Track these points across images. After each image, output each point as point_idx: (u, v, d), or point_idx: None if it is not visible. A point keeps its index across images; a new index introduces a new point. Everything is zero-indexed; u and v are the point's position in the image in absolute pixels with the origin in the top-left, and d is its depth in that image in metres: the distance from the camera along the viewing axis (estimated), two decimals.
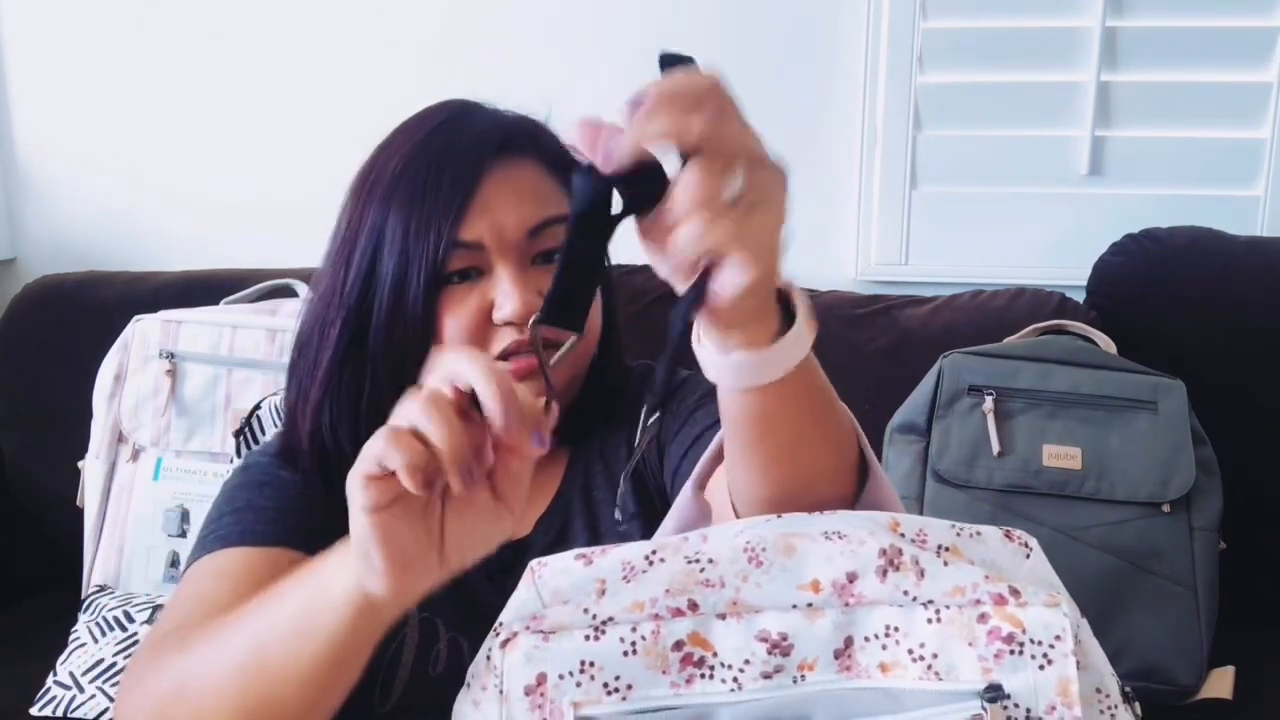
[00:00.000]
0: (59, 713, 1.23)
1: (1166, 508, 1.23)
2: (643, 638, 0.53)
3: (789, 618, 0.53)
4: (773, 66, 1.59)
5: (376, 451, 0.50)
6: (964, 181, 1.59)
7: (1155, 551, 1.22)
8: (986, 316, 1.43)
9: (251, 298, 1.48)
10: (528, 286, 0.77)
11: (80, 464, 1.42)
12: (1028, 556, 0.57)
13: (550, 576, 0.55)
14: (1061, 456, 1.24)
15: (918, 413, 1.29)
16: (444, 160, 0.77)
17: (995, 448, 1.25)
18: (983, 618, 0.53)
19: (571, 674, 0.52)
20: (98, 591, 1.36)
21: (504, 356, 0.79)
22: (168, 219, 1.74)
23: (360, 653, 0.58)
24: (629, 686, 0.52)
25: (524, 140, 0.80)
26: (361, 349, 0.79)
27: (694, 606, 0.53)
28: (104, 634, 1.29)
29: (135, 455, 1.39)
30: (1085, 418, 1.26)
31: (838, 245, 1.62)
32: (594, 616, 0.53)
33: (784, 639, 0.53)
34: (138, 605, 1.31)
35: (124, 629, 1.29)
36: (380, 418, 0.65)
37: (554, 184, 0.80)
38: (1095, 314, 1.42)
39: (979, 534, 0.56)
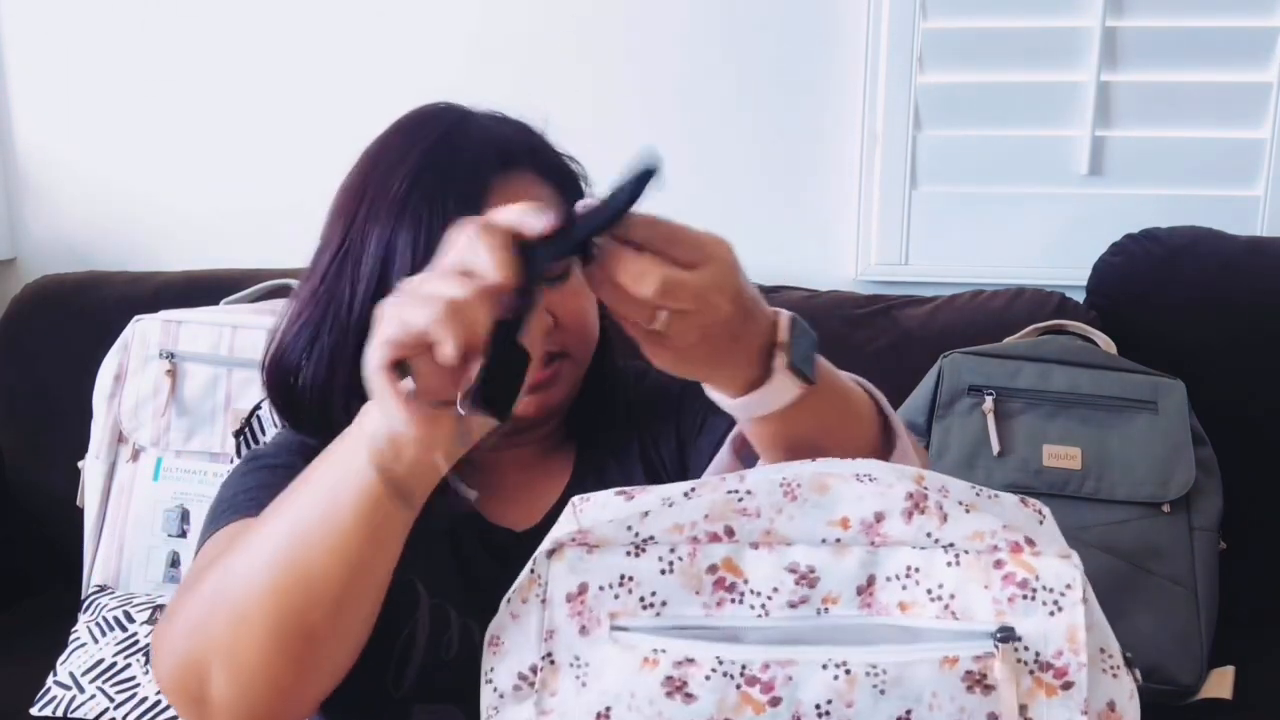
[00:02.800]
0: (59, 713, 1.23)
1: (1166, 508, 1.23)
2: (680, 558, 0.56)
3: (818, 552, 0.56)
4: (773, 67, 1.59)
5: (419, 322, 0.51)
6: (964, 181, 1.59)
7: (1155, 551, 1.22)
8: (986, 316, 1.43)
9: (251, 298, 1.48)
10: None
11: (80, 464, 1.42)
12: (1041, 522, 0.59)
13: (591, 510, 0.58)
14: (1061, 456, 1.24)
15: (918, 413, 1.29)
16: (448, 179, 0.77)
17: (995, 448, 1.25)
18: (999, 564, 0.56)
19: (611, 586, 0.55)
20: (98, 591, 1.36)
21: None
22: (168, 219, 1.74)
23: (387, 538, 0.60)
24: (663, 603, 0.56)
25: (522, 153, 0.80)
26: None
27: (730, 533, 0.56)
28: (104, 634, 1.29)
29: (135, 455, 1.39)
30: (1085, 418, 1.26)
31: (838, 245, 1.62)
32: (636, 534, 0.56)
33: (811, 571, 0.56)
34: (138, 605, 1.31)
35: (124, 629, 1.29)
36: None
37: (551, 194, 0.80)
38: (1095, 314, 1.42)
39: (996, 496, 0.59)
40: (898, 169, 1.58)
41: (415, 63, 1.65)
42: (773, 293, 1.50)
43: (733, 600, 0.56)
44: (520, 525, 0.84)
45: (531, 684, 0.56)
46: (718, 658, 0.55)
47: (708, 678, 0.55)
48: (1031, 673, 0.55)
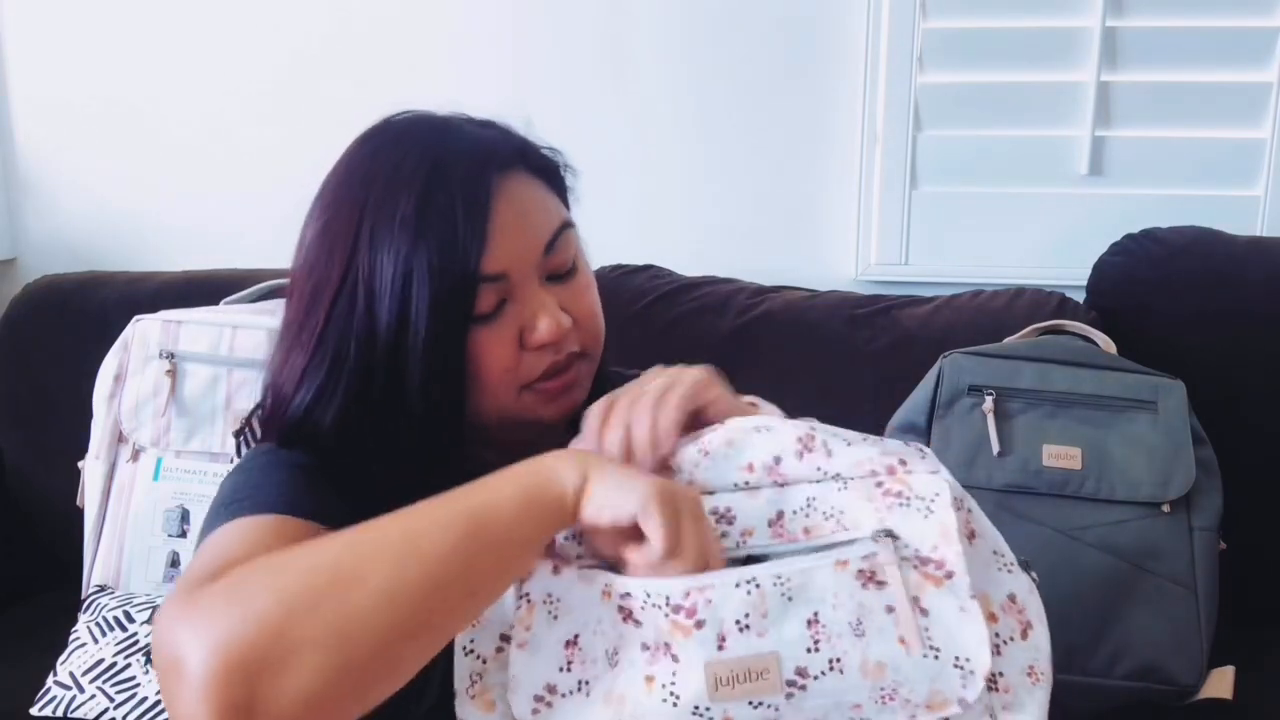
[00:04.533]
0: (59, 713, 1.23)
1: (1166, 508, 1.23)
2: None
3: (733, 496, 0.67)
4: (773, 66, 1.59)
5: None
6: (964, 181, 1.59)
7: (1155, 551, 1.21)
8: (986, 316, 1.43)
9: (251, 298, 1.48)
10: (554, 304, 0.78)
11: (80, 464, 1.42)
12: (923, 457, 0.68)
13: None
14: (1061, 456, 1.24)
15: (918, 413, 1.29)
16: (452, 189, 0.75)
17: (995, 448, 1.24)
18: (879, 484, 0.66)
19: (571, 536, 0.66)
20: (98, 591, 1.36)
21: (545, 376, 0.80)
22: (168, 219, 1.74)
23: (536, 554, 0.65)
24: None
25: (513, 154, 0.80)
26: (393, 391, 0.76)
27: None
28: (104, 634, 1.29)
29: (135, 455, 1.39)
30: (1085, 418, 1.26)
31: (838, 245, 1.62)
32: None
33: (729, 511, 0.66)
34: (138, 605, 1.31)
35: (124, 629, 1.29)
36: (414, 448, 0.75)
37: (544, 189, 0.81)
38: (1095, 314, 1.42)
39: (883, 441, 0.69)
40: (898, 169, 1.58)
41: (414, 62, 1.65)
42: (773, 293, 1.50)
43: None
44: None
45: (511, 641, 0.65)
46: (646, 592, 0.62)
47: (643, 607, 0.62)
48: (915, 567, 0.63)
